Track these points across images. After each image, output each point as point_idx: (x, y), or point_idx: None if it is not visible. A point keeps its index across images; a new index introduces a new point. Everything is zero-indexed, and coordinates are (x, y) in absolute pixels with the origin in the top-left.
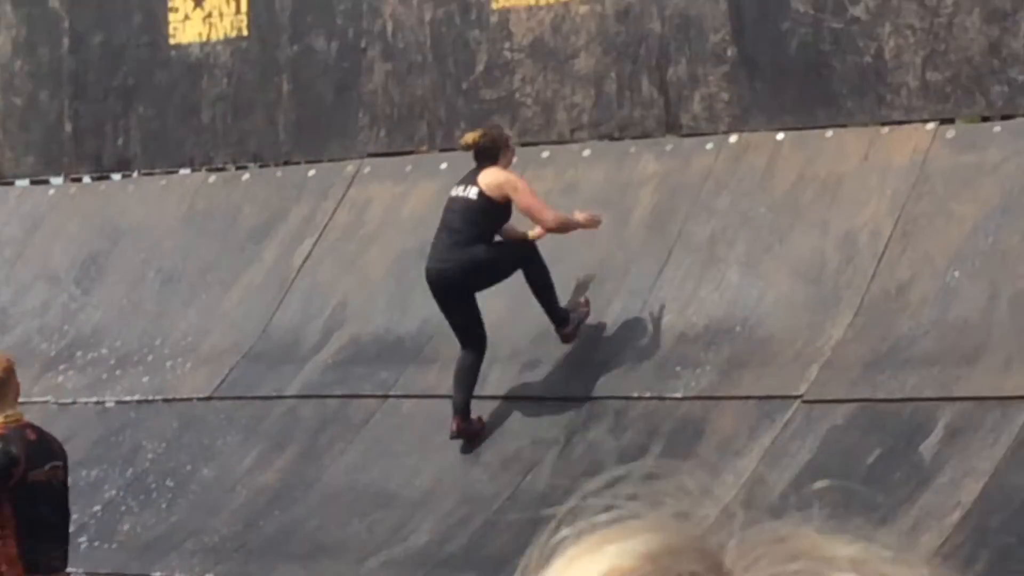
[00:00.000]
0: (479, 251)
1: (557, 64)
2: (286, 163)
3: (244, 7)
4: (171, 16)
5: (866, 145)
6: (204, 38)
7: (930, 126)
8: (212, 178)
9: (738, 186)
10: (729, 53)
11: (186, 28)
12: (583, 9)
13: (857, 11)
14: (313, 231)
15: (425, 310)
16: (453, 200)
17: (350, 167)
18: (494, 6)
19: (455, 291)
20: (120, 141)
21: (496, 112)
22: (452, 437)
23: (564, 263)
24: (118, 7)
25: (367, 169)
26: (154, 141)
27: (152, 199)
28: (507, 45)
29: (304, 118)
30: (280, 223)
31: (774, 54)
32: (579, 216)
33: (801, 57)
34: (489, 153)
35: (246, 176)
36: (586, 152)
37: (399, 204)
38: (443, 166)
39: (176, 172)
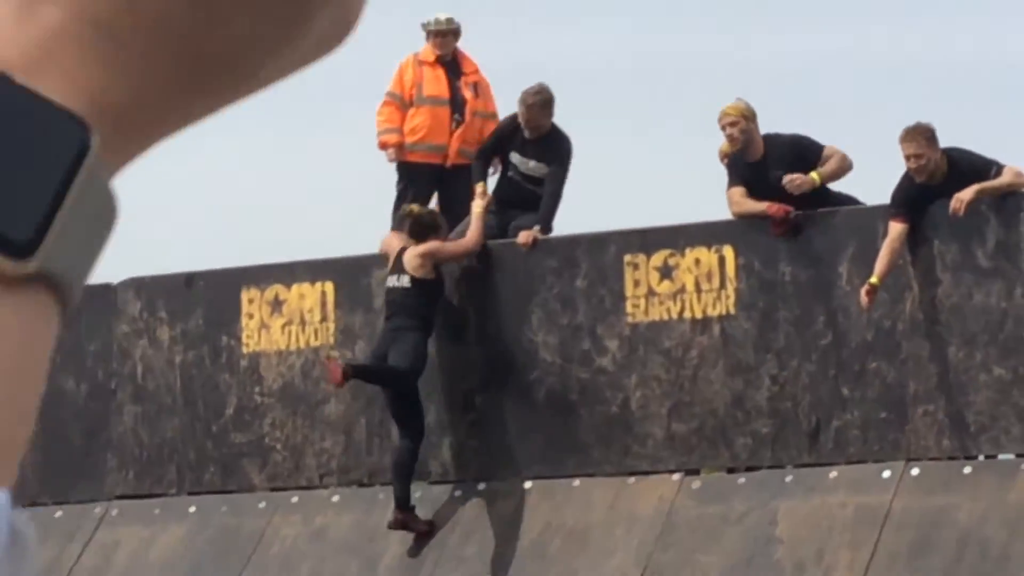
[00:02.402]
0: (418, 339)
1: (307, 409)
2: (32, 504)
3: None
4: None
5: (613, 495)
6: None
7: (676, 477)
8: None
9: (486, 534)
10: (478, 401)
11: None
12: (333, 354)
13: (604, 362)
14: (59, 574)
15: None
16: (389, 292)
17: (97, 509)
18: (245, 350)
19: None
20: None
21: (246, 456)
22: (389, 527)
23: None
24: None
25: (115, 511)
26: None
27: None
28: (257, 389)
29: (52, 459)
30: None
31: (522, 402)
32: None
33: (549, 406)
34: (423, 227)
35: None
36: (335, 498)
37: (146, 547)
38: (192, 509)
39: None
